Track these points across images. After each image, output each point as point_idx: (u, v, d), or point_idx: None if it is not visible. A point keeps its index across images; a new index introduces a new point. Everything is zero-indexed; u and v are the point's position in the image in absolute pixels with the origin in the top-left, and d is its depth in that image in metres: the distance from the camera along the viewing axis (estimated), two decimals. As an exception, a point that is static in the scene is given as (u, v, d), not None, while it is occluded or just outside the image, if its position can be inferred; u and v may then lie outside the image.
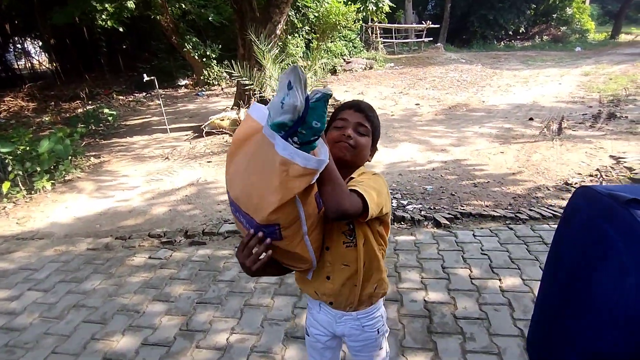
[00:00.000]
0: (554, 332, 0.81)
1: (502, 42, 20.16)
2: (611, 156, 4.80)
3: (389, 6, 8.49)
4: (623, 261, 0.66)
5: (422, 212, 3.63)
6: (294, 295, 2.54)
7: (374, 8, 8.27)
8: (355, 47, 14.66)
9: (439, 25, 18.31)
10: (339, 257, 1.16)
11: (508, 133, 6.11)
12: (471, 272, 2.65)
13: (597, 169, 4.45)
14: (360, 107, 1.20)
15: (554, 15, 20.83)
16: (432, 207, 3.80)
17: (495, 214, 3.45)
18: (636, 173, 4.23)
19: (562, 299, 0.79)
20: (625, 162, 4.57)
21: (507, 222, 3.34)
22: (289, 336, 2.21)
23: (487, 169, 4.72)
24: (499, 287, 2.49)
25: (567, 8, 20.49)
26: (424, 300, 2.41)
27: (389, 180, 4.56)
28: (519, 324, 2.18)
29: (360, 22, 11.49)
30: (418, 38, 17.78)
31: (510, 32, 20.31)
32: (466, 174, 4.61)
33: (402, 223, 3.43)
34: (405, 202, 3.96)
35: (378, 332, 1.30)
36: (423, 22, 17.61)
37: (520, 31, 20.55)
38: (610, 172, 4.36)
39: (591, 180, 4.20)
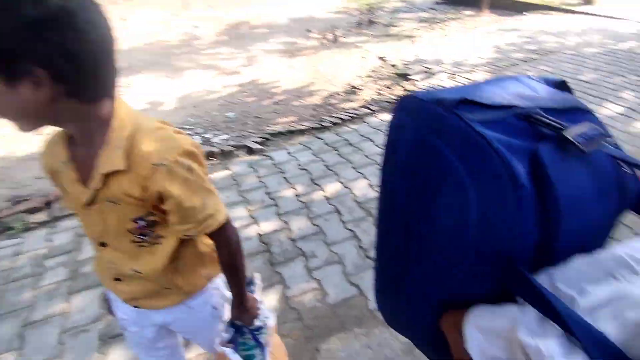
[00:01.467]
0: (401, 286, 0.64)
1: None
2: (379, 57, 5.42)
3: None
4: (462, 180, 0.49)
5: (231, 142, 3.32)
6: (98, 285, 1.93)
7: None
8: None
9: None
10: (125, 259, 0.83)
11: (293, 47, 6.15)
12: (296, 190, 2.58)
13: (373, 70, 4.97)
14: None
15: None
16: (240, 135, 3.51)
17: (303, 127, 3.44)
18: (398, 68, 4.91)
19: (403, 242, 0.61)
20: (389, 60, 5.24)
21: (314, 133, 3.38)
22: (105, 339, 1.68)
23: (283, 85, 4.66)
24: (324, 197, 2.50)
25: None
26: (258, 234, 2.22)
27: (183, 116, 3.97)
28: (348, 225, 2.25)
29: None
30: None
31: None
32: (265, 94, 4.43)
33: (213, 159, 3.04)
34: (209, 136, 3.53)
35: (215, 307, 0.98)
36: None
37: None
38: (381, 70, 4.94)
39: (370, 78, 4.66)
